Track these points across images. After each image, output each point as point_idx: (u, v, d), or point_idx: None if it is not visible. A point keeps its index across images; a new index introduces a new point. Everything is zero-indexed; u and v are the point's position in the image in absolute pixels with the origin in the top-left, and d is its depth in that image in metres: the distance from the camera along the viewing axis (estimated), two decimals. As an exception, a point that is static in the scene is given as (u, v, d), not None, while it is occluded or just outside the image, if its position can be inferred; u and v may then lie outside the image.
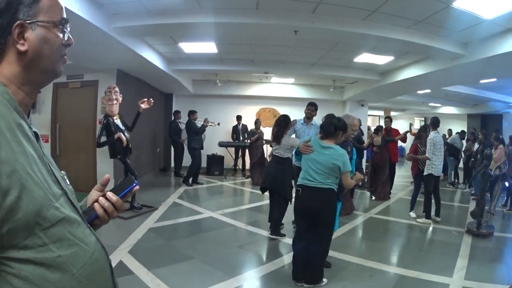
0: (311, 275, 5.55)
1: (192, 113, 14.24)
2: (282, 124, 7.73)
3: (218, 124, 15.33)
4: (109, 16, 7.46)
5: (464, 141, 16.46)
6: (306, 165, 5.52)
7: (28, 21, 1.32)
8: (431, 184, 9.56)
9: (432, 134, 9.69)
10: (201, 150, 14.22)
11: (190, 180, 13.79)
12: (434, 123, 9.87)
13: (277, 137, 7.73)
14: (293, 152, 6.60)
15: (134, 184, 1.72)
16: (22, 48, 1.30)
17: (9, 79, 1.30)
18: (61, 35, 1.44)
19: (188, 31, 8.69)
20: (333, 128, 5.49)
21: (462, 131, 16.86)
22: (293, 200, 5.88)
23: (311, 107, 8.50)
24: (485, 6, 6.82)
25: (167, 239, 7.48)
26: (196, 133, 13.88)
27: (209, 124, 14.12)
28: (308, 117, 8.48)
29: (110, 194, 1.66)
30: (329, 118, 5.64)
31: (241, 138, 16.71)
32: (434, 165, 9.38)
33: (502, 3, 6.64)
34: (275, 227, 7.82)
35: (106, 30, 7.33)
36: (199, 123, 14.15)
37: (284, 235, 7.77)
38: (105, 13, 7.27)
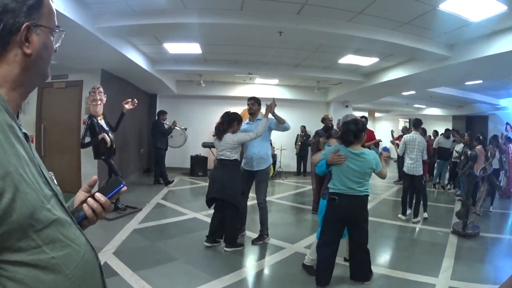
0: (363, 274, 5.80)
1: (162, 114, 14.30)
2: (226, 119, 7.23)
3: (185, 129, 15.40)
4: (94, 16, 7.43)
5: (449, 141, 16.39)
6: (340, 175, 5.44)
7: (34, 24, 1.31)
8: (404, 182, 10.17)
9: (410, 134, 10.04)
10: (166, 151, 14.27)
11: (159, 180, 13.90)
12: (414, 124, 10.23)
13: (219, 130, 7.18)
14: (322, 165, 5.73)
15: (122, 185, 1.71)
16: (28, 50, 1.30)
17: (5, 80, 1.29)
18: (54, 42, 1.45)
19: (173, 31, 8.67)
20: (352, 136, 5.44)
21: (447, 130, 16.62)
22: (326, 208, 5.67)
23: (251, 101, 7.87)
24: (471, 9, 6.88)
25: (152, 240, 7.47)
26: (163, 134, 13.95)
27: (176, 127, 14.22)
28: (251, 113, 7.96)
29: (98, 195, 1.65)
30: (346, 125, 5.56)
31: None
32: (406, 164, 9.84)
33: (489, 6, 6.69)
34: (232, 240, 7.24)
35: (91, 30, 7.30)
36: (167, 123, 14.25)
37: (241, 245, 7.42)
38: (90, 13, 7.25)
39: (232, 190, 7.10)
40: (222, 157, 7.16)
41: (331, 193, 5.52)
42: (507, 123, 16.23)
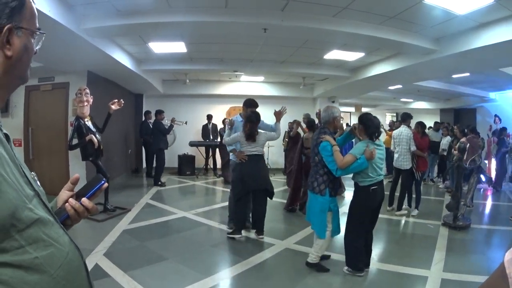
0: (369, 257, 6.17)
1: (159, 113, 14.25)
2: (254, 120, 7.54)
3: (186, 122, 15.35)
4: (80, 17, 7.39)
5: (439, 133, 16.40)
6: (374, 166, 5.75)
7: (15, 27, 1.30)
8: (394, 175, 10.50)
9: (398, 129, 10.35)
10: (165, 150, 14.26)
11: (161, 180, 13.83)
12: (402, 118, 10.48)
13: (251, 135, 7.51)
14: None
15: (103, 182, 1.72)
16: (9, 53, 1.29)
17: None
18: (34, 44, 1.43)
19: (158, 30, 8.62)
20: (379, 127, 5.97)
21: (436, 123, 16.71)
22: (365, 200, 5.85)
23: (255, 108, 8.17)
24: (458, 1, 6.87)
25: (142, 240, 7.45)
26: (163, 133, 13.95)
27: (176, 123, 14.13)
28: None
29: (86, 201, 1.64)
30: (372, 121, 5.87)
31: (211, 137, 16.74)
32: (394, 158, 10.16)
33: (474, -1, 6.66)
34: (263, 226, 7.81)
35: (76, 31, 7.27)
36: (165, 122, 14.21)
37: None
38: (76, 14, 7.20)
39: (269, 180, 7.92)
40: (256, 153, 7.64)
41: (371, 185, 5.74)
42: (495, 115, 16.29)
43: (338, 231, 6.12)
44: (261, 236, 7.71)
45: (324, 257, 6.36)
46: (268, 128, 8.17)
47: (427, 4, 6.90)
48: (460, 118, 21.76)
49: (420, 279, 5.80)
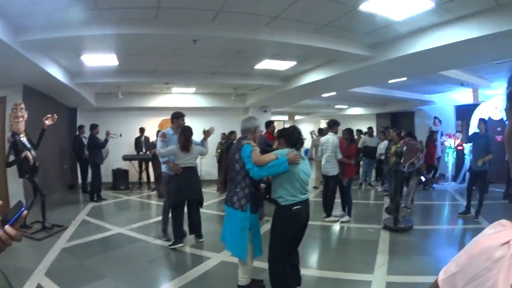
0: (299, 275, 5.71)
1: (94, 127, 14.05)
2: (189, 133, 8.11)
3: (120, 135, 15.12)
4: (15, 30, 7.24)
5: (375, 138, 16.71)
6: (298, 181, 5.29)
7: None
8: (325, 181, 10.61)
9: (325, 136, 10.62)
10: (101, 165, 14.07)
11: (95, 196, 13.64)
12: (329, 124, 10.70)
13: (186, 146, 8.02)
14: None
15: (23, 209, 1.71)
16: None
17: None
18: None
19: (90, 43, 8.56)
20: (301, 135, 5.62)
21: (369, 128, 17.27)
22: (287, 221, 5.34)
23: (184, 117, 8.83)
24: (395, 8, 6.82)
25: (80, 259, 7.39)
26: (99, 147, 13.78)
27: (111, 136, 13.93)
28: (180, 127, 8.63)
29: (9, 229, 1.62)
30: (294, 129, 5.67)
31: (143, 150, 16.63)
32: (322, 164, 10.32)
33: (415, 4, 6.65)
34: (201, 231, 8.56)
35: (12, 44, 7.12)
36: (101, 136, 13.99)
37: None
38: (11, 27, 7.06)
39: (201, 191, 8.61)
40: (191, 165, 8.24)
41: (294, 204, 5.25)
42: (435, 117, 16.57)
43: (260, 252, 5.84)
44: (201, 240, 8.49)
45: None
46: (197, 144, 8.50)
47: (362, 11, 6.87)
48: (398, 122, 22.07)
49: (363, 284, 5.89)
